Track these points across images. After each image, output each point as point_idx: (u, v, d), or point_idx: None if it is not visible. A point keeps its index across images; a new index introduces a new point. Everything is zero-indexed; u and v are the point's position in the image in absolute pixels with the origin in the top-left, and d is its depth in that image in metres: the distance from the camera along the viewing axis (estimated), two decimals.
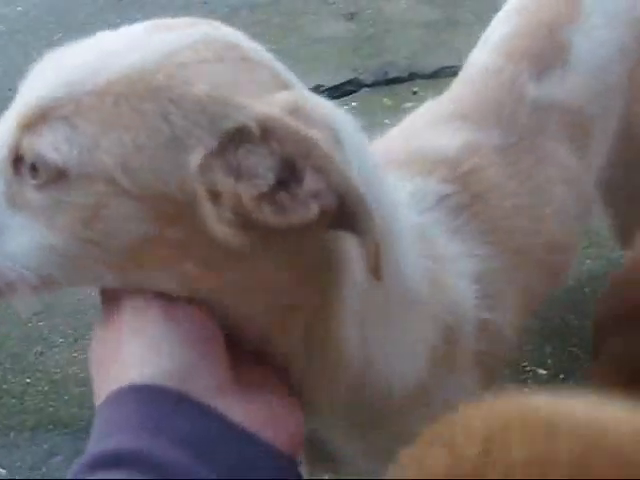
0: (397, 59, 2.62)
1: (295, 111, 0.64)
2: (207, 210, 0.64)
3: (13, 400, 1.73)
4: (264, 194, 0.63)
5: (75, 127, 0.63)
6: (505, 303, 1.00)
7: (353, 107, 2.43)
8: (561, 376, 1.60)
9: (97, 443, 0.62)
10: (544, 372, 1.62)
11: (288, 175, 0.63)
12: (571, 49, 1.15)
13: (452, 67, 2.34)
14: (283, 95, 0.66)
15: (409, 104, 2.17)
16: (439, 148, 1.03)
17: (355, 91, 2.54)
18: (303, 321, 0.73)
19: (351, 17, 2.87)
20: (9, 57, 2.84)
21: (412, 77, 2.55)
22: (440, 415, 0.54)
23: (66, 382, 1.73)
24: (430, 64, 2.56)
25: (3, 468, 1.60)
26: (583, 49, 1.16)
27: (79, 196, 0.64)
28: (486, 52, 1.17)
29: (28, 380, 1.77)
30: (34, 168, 0.65)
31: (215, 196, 0.64)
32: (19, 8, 3.08)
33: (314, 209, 0.63)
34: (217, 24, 0.73)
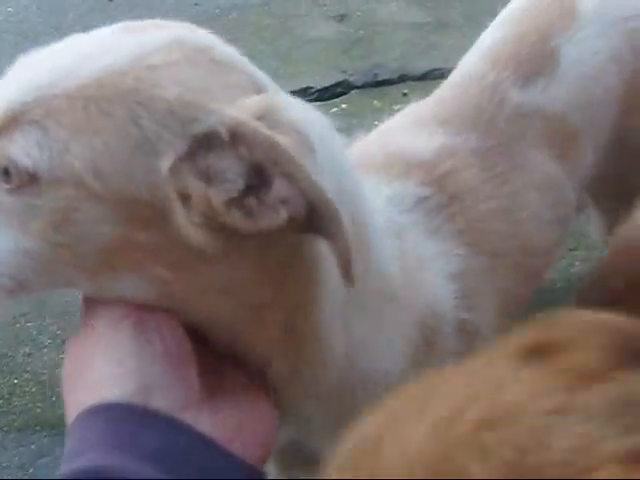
0: (387, 61, 2.62)
1: (265, 116, 0.64)
2: (178, 213, 0.64)
3: (0, 401, 1.73)
4: (234, 199, 0.64)
5: (46, 131, 0.63)
6: (483, 303, 1.01)
7: (343, 109, 2.44)
8: None
9: (69, 461, 0.63)
10: None
11: (257, 180, 0.64)
12: (560, 57, 1.15)
13: (442, 69, 2.35)
14: (254, 99, 0.66)
15: (399, 106, 2.17)
16: (416, 151, 1.04)
17: (345, 93, 2.54)
18: (282, 319, 0.73)
19: (341, 19, 2.87)
20: None
21: (402, 79, 2.55)
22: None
23: (54, 383, 1.73)
24: (420, 66, 2.56)
25: None
26: (572, 58, 1.16)
27: (50, 200, 0.65)
28: (475, 58, 1.18)
29: (16, 381, 1.76)
30: (6, 172, 0.65)
31: (186, 199, 0.64)
32: (9, 9, 3.06)
33: (283, 215, 0.64)
34: (190, 26, 0.73)
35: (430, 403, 0.48)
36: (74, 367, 0.70)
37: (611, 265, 0.86)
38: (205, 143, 0.64)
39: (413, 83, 2.51)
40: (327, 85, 2.55)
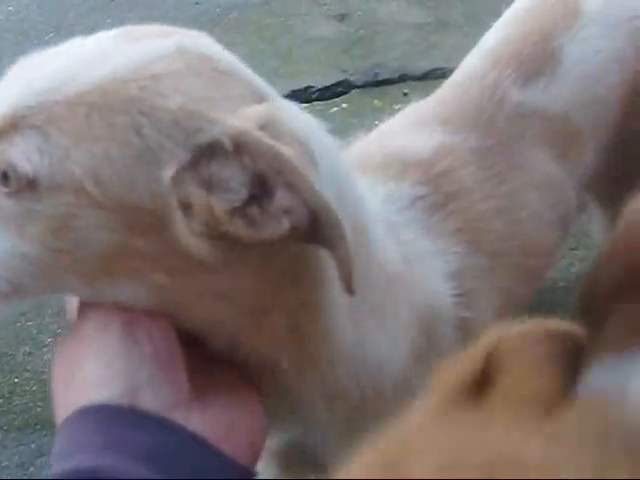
0: (388, 60, 2.62)
1: (268, 126, 0.64)
2: (179, 222, 0.64)
3: (1, 400, 1.73)
4: (236, 208, 0.64)
5: (47, 136, 0.63)
6: (482, 302, 1.01)
7: (343, 108, 2.44)
8: None
9: (59, 463, 0.63)
10: None
11: (260, 190, 0.64)
12: (562, 57, 1.15)
13: (442, 69, 2.35)
14: (257, 109, 0.66)
15: (399, 105, 2.17)
16: (414, 150, 1.04)
17: (345, 92, 2.54)
18: (284, 322, 0.73)
19: (342, 18, 2.88)
20: None
21: (402, 79, 2.55)
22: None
23: None
24: (420, 66, 2.56)
25: None
26: (575, 57, 1.16)
27: (49, 206, 0.64)
28: (477, 57, 1.18)
29: (16, 380, 1.76)
30: (5, 176, 0.64)
31: (187, 208, 0.64)
32: (10, 8, 3.06)
33: (285, 224, 0.64)
34: (192, 33, 0.73)
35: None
36: (64, 368, 0.70)
37: (612, 251, 0.84)
38: (208, 153, 0.63)
39: (414, 83, 2.51)
40: (328, 84, 2.55)
